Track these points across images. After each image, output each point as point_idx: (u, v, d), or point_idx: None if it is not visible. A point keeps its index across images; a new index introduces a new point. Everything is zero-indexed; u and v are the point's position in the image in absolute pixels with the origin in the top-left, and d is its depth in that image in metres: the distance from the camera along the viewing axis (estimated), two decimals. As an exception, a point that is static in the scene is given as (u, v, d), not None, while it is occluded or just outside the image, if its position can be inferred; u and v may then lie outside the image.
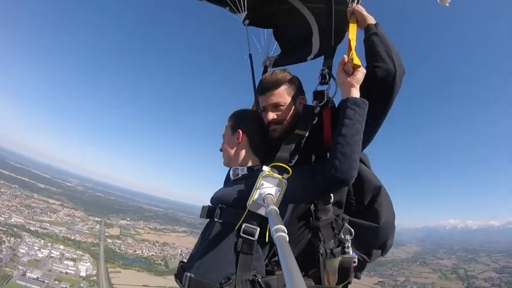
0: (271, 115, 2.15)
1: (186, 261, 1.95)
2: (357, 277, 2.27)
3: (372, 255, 2.28)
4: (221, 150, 2.23)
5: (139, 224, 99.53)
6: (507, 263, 79.55)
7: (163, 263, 71.83)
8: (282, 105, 2.16)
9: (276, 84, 2.17)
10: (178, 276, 1.83)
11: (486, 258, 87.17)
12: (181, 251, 76.78)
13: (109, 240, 78.55)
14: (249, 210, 1.70)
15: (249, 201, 1.66)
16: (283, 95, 2.18)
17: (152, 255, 75.70)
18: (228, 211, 1.83)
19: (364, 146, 1.98)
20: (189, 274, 1.73)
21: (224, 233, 1.79)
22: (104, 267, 64.81)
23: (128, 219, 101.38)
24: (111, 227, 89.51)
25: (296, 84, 2.25)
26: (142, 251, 76.62)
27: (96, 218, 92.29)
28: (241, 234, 1.72)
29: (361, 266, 2.26)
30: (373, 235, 2.23)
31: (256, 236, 1.72)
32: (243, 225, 1.72)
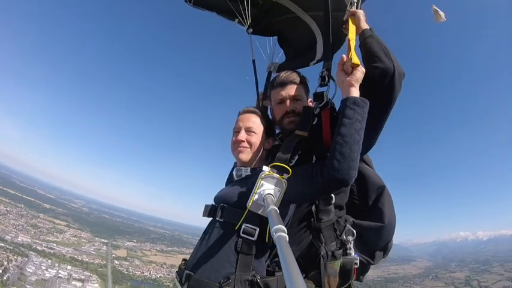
0: (292, 105, 2.24)
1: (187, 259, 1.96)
2: (359, 280, 2.23)
3: (375, 257, 2.22)
4: (240, 141, 2.08)
5: (145, 245, 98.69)
6: (520, 272, 78.69)
7: (171, 285, 69.69)
8: (300, 100, 2.28)
9: (296, 80, 2.30)
10: (179, 274, 1.84)
11: (499, 268, 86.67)
12: (189, 274, 74.02)
13: (116, 262, 77.49)
14: (249, 210, 1.69)
15: (249, 202, 1.66)
16: (302, 90, 2.31)
17: (160, 277, 74.24)
18: (229, 211, 1.83)
19: (367, 148, 1.99)
20: (189, 272, 1.75)
21: (224, 232, 1.80)
22: (112, 289, 62.97)
23: (135, 240, 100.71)
24: (118, 249, 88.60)
25: (308, 87, 2.37)
26: (150, 273, 75.31)
27: (102, 239, 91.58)
28: (241, 234, 1.73)
29: (364, 269, 2.22)
30: (378, 235, 2.18)
31: (256, 236, 1.72)
32: (243, 225, 1.73)
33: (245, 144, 2.08)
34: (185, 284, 1.72)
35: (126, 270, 73.77)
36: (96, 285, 62.21)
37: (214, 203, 1.98)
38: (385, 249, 2.29)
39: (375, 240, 2.20)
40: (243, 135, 2.08)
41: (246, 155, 2.07)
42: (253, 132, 2.11)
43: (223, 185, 2.29)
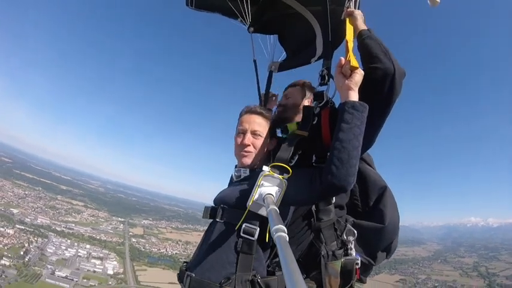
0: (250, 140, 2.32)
1: (188, 261, 1.98)
2: (362, 281, 2.19)
3: (377, 257, 2.20)
4: (246, 145, 2.04)
5: (161, 223, 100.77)
6: (528, 261, 78.14)
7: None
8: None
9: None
10: (180, 276, 1.85)
11: (507, 256, 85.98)
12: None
13: (133, 240, 79.51)
14: (249, 210, 1.70)
15: (249, 202, 1.67)
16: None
17: (176, 253, 76.11)
18: (229, 211, 1.83)
19: (366, 148, 1.98)
20: (189, 273, 1.75)
21: (225, 233, 1.80)
22: (130, 266, 65.48)
23: (150, 219, 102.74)
24: (134, 227, 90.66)
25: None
26: (166, 250, 77.40)
27: (119, 218, 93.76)
28: (241, 234, 1.73)
29: (366, 269, 2.21)
30: (379, 236, 2.16)
31: (256, 236, 1.72)
32: (243, 225, 1.73)
33: (250, 148, 2.04)
34: (186, 285, 1.73)
35: (143, 248, 75.91)
36: (115, 262, 64.49)
37: (214, 205, 1.95)
38: (388, 250, 2.26)
39: (376, 241, 2.17)
40: (248, 139, 2.03)
41: (249, 159, 2.04)
42: (259, 135, 2.07)
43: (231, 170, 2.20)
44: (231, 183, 2.19)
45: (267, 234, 1.69)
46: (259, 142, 2.07)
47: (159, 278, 60.58)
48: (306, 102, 2.53)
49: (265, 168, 1.71)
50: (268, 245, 1.82)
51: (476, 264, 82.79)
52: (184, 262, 1.94)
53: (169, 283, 58.58)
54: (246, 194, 1.74)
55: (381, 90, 1.84)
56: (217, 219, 1.84)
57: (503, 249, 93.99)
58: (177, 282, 1.87)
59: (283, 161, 1.78)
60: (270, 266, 1.89)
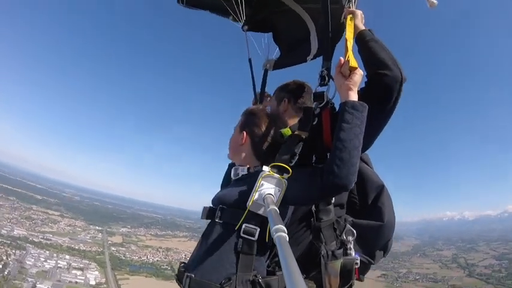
0: None
1: (186, 262, 1.96)
2: (360, 280, 2.21)
3: (375, 256, 2.24)
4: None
5: (140, 231, 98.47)
6: (505, 250, 80.00)
7: (169, 268, 71.06)
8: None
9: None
10: (179, 277, 1.84)
11: (485, 246, 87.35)
12: (185, 255, 75.02)
13: (113, 248, 77.85)
14: (249, 210, 1.70)
15: (249, 202, 1.67)
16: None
17: (157, 260, 75.27)
18: (229, 212, 1.83)
19: (365, 148, 2.00)
20: (189, 274, 1.75)
21: (224, 233, 1.80)
22: (112, 275, 64.23)
23: (129, 226, 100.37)
24: (113, 235, 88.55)
25: None
26: (147, 257, 76.16)
27: (97, 227, 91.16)
28: (242, 235, 1.73)
29: (364, 268, 2.23)
30: (377, 234, 2.19)
31: (257, 236, 1.73)
32: (243, 226, 1.73)
33: (229, 143, 2.27)
34: (186, 285, 1.72)
35: (124, 256, 74.49)
36: (96, 272, 62.93)
37: (212, 205, 1.96)
38: (385, 248, 2.29)
39: (375, 240, 2.19)
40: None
41: (229, 153, 2.27)
42: (234, 130, 2.26)
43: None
44: (228, 182, 2.27)
45: (267, 234, 1.70)
46: (233, 137, 2.22)
47: (143, 286, 60.44)
48: (282, 105, 2.62)
49: (265, 168, 1.71)
50: (268, 245, 1.83)
51: (455, 256, 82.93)
52: (182, 263, 1.93)
53: (154, 291, 58.54)
54: (246, 194, 1.74)
55: (389, 97, 1.89)
56: (217, 220, 1.83)
57: (480, 241, 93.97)
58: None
59: (283, 161, 1.78)
60: (270, 266, 1.92)
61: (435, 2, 2.39)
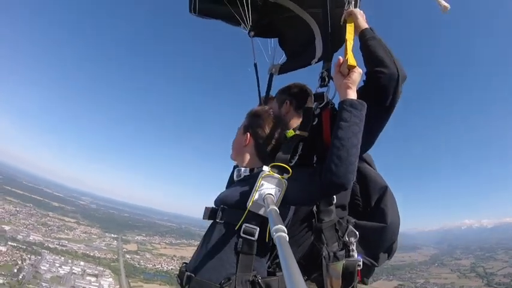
0: None
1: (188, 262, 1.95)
2: (364, 283, 2.19)
3: (379, 258, 2.18)
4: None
5: (155, 239, 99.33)
6: (525, 259, 78.90)
7: (184, 277, 70.67)
8: None
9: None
10: (180, 277, 1.83)
11: (504, 255, 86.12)
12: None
13: (128, 256, 78.18)
14: (249, 210, 1.70)
15: (249, 202, 1.67)
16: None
17: (172, 269, 74.47)
18: (229, 212, 1.83)
19: (365, 148, 2.01)
20: (189, 274, 1.75)
21: (225, 233, 1.79)
22: (126, 282, 64.26)
23: (144, 234, 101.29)
24: (128, 243, 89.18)
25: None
26: (161, 265, 76.11)
27: (112, 235, 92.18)
28: (242, 235, 1.73)
29: (368, 271, 2.17)
30: (381, 236, 2.14)
31: (256, 236, 1.72)
32: (243, 226, 1.73)
33: (232, 143, 2.25)
34: (186, 286, 1.73)
35: (138, 264, 74.57)
36: (110, 279, 63.08)
37: (214, 206, 1.96)
38: (390, 250, 2.25)
39: (378, 242, 2.17)
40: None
41: (232, 153, 2.23)
42: (237, 131, 2.25)
43: (225, 180, 2.44)
44: (231, 183, 2.26)
45: (267, 235, 1.71)
46: (236, 137, 2.24)
47: (157, 294, 59.43)
48: (284, 107, 2.59)
49: (265, 168, 1.73)
50: (268, 245, 1.82)
51: (473, 265, 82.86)
52: (184, 263, 1.95)
53: (167, 299, 58.01)
54: (246, 194, 1.75)
55: (385, 95, 1.90)
56: (218, 220, 1.85)
57: (499, 249, 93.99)
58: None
59: (283, 161, 1.80)
60: (271, 267, 1.91)
61: (448, 6, 2.36)
